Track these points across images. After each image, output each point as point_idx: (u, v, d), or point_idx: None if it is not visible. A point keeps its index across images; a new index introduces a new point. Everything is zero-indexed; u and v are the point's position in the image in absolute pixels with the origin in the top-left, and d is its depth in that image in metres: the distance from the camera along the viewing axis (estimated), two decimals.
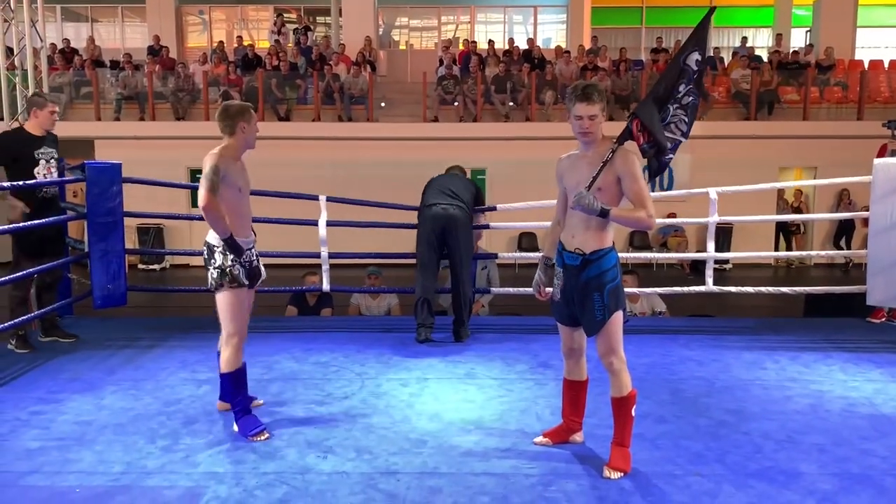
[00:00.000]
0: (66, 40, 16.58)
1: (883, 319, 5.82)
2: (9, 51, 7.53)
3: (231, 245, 3.52)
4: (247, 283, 3.61)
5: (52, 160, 5.04)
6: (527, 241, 14.17)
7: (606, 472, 3.15)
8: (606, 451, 3.25)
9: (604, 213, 3.04)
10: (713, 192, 5.72)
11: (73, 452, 3.38)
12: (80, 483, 3.10)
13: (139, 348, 5.06)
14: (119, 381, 4.39)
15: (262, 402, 3.99)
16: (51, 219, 4.94)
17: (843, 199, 14.24)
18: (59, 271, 5.33)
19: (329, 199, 5.96)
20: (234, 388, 3.61)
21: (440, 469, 3.23)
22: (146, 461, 3.30)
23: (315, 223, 5.84)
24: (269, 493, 3.02)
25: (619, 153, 3.11)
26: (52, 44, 15.81)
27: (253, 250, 3.70)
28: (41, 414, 3.86)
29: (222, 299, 3.58)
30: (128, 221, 5.55)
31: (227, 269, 3.54)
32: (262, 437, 3.53)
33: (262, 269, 3.79)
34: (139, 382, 4.36)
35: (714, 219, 5.73)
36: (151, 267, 14.17)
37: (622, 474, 3.13)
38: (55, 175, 5.06)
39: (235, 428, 3.60)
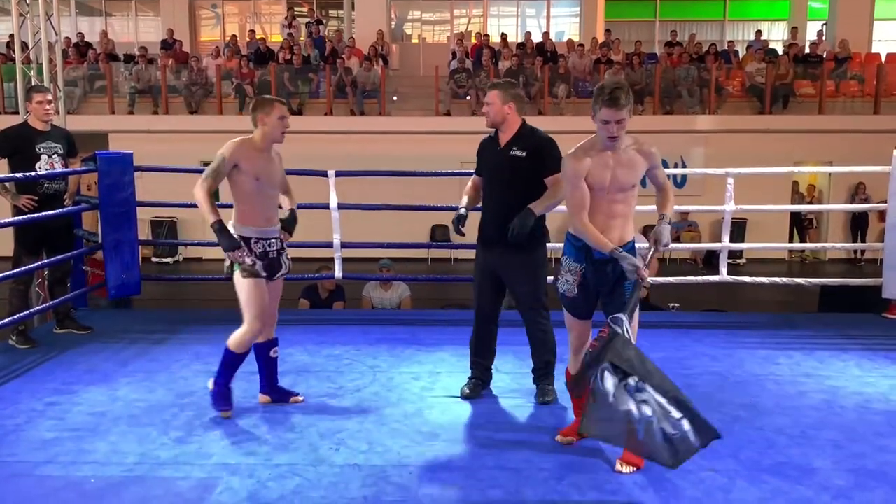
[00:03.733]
0: (81, 34, 16.64)
1: None
2: (24, 45, 7.58)
3: (216, 230, 3.55)
4: (262, 273, 3.63)
5: (56, 155, 5.01)
6: None
7: (619, 466, 3.14)
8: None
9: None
10: (730, 178, 5.67)
11: (87, 443, 3.41)
12: (95, 473, 3.12)
13: (153, 340, 5.08)
14: (133, 372, 4.42)
15: (301, 398, 3.95)
16: (50, 212, 4.87)
17: (858, 192, 14.12)
18: (70, 264, 5.35)
19: (339, 174, 5.81)
20: (230, 366, 3.68)
21: (452, 462, 3.23)
22: (160, 452, 3.32)
23: (326, 206, 5.80)
24: (281, 484, 3.03)
25: (649, 150, 3.20)
26: (67, 38, 15.88)
27: (271, 241, 3.71)
28: (56, 405, 3.89)
29: (236, 285, 3.64)
30: (141, 214, 5.58)
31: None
32: (224, 415, 3.68)
33: (285, 261, 3.81)
34: (153, 374, 4.38)
35: (730, 206, 5.67)
36: (165, 260, 14.26)
37: (635, 468, 3.12)
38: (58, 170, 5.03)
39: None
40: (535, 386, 4.01)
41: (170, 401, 3.95)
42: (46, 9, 7.10)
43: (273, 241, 3.72)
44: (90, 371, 4.43)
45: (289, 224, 3.87)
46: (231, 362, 3.67)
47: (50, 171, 4.96)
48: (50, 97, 5.10)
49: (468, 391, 4.00)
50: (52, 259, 5.08)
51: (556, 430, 3.50)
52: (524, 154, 3.75)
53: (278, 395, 3.91)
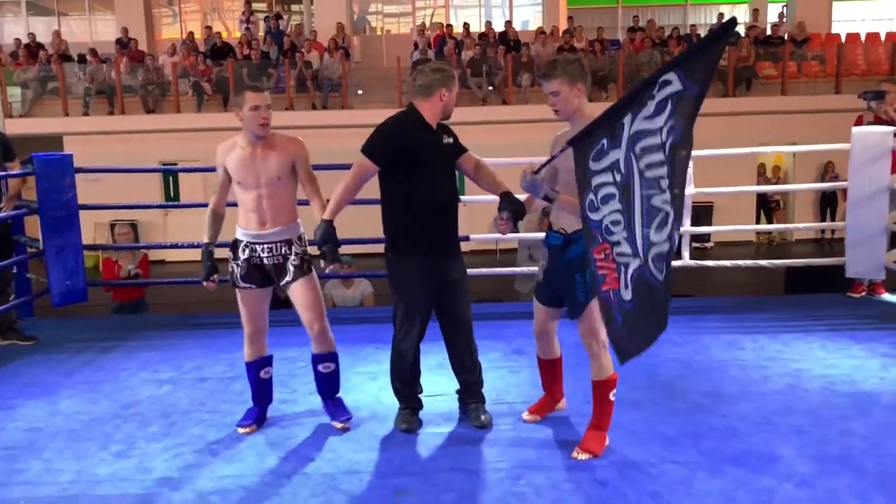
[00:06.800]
0: (32, 35, 16.18)
1: (863, 294, 5.73)
2: None
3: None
4: (239, 283, 3.46)
5: None
6: None
7: (575, 453, 3.08)
8: (580, 438, 3.15)
9: (549, 199, 3.01)
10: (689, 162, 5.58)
11: (20, 462, 3.22)
12: (25, 495, 2.94)
13: (100, 349, 4.87)
14: (76, 384, 4.22)
15: (339, 425, 3.52)
16: None
17: (828, 171, 14.19)
18: (8, 272, 5.12)
19: None
20: (249, 377, 3.59)
21: (406, 467, 3.10)
22: (97, 468, 3.14)
23: None
24: (224, 498, 2.87)
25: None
26: (17, 39, 15.46)
27: (265, 246, 3.39)
28: None
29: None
30: (100, 218, 5.36)
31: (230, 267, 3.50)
32: (241, 430, 3.46)
33: (290, 268, 3.42)
34: (97, 385, 4.18)
35: (691, 190, 5.57)
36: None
37: (591, 456, 3.06)
38: None
39: None
40: (464, 406, 3.54)
41: (113, 412, 3.77)
42: None
43: (267, 245, 3.38)
44: (31, 384, 4.23)
45: (324, 248, 3.30)
46: (248, 371, 3.59)
47: None
48: None
49: (406, 426, 3.44)
50: None
51: (513, 428, 3.39)
52: (452, 140, 3.38)
53: (327, 408, 3.62)
